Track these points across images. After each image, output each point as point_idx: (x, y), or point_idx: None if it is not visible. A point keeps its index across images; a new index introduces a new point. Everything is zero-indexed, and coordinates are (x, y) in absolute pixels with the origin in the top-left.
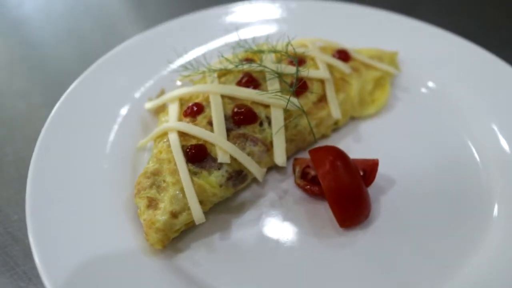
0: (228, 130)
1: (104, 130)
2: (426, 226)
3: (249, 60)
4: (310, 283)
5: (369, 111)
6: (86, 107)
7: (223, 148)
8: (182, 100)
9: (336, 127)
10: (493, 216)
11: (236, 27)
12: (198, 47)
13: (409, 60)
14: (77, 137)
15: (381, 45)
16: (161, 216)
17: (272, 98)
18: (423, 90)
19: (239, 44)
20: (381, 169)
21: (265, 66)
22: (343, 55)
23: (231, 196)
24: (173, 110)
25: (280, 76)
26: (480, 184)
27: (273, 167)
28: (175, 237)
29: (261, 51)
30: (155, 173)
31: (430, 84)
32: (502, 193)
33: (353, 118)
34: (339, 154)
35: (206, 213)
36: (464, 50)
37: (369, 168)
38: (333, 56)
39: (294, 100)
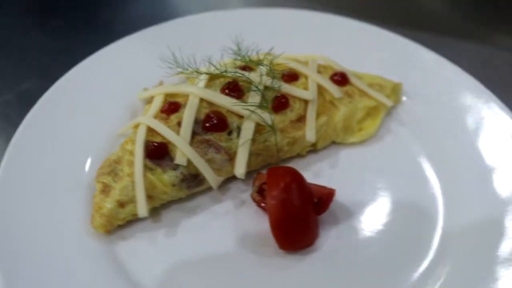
0: (195, 134)
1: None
2: (368, 268)
3: (242, 68)
4: None
5: (352, 139)
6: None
7: (182, 150)
8: (167, 96)
9: (314, 149)
10: (442, 270)
11: (239, 33)
12: (195, 48)
13: (418, 93)
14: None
15: (392, 73)
16: (108, 203)
17: (247, 110)
18: (420, 127)
19: (236, 52)
20: (344, 200)
21: (243, 75)
22: (341, 78)
23: (186, 197)
24: (155, 104)
25: (259, 89)
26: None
27: None
28: (121, 224)
29: (250, 61)
30: (117, 161)
31: (428, 124)
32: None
33: (337, 143)
34: (295, 177)
35: (157, 208)
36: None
37: (325, 197)
38: (331, 77)
39: (266, 115)
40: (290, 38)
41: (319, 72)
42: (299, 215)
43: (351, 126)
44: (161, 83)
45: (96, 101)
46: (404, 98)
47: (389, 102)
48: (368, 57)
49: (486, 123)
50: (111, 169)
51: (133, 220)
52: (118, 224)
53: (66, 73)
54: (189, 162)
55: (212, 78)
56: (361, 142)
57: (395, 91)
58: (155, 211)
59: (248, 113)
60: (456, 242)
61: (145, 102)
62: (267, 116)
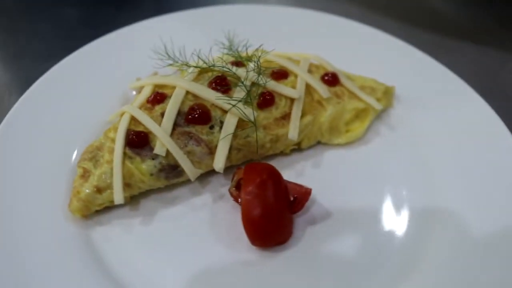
0: (177, 126)
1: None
2: (340, 270)
3: (234, 64)
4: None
5: (338, 140)
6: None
7: (162, 141)
8: (156, 87)
9: (298, 147)
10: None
11: (233, 28)
12: (189, 42)
13: (412, 97)
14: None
15: (386, 75)
16: (87, 188)
17: (230, 105)
18: (409, 132)
19: (227, 47)
20: (323, 201)
21: (229, 70)
22: (331, 78)
23: (166, 187)
24: (143, 94)
25: (244, 84)
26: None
27: None
28: (99, 210)
29: (240, 57)
30: (99, 148)
31: (419, 129)
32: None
33: (323, 144)
34: (272, 174)
35: (136, 197)
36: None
37: (300, 196)
38: (322, 76)
39: (249, 111)
40: (287, 36)
41: (310, 71)
42: (272, 212)
43: (338, 127)
44: (155, 74)
45: (90, 90)
46: (396, 102)
47: (378, 105)
48: (364, 59)
49: (478, 132)
50: (93, 155)
51: (111, 206)
52: (95, 209)
53: (61, 61)
54: (168, 153)
55: (202, 72)
56: (348, 144)
57: (387, 94)
58: (134, 199)
59: (231, 108)
60: (434, 245)
61: (137, 91)
62: (250, 112)
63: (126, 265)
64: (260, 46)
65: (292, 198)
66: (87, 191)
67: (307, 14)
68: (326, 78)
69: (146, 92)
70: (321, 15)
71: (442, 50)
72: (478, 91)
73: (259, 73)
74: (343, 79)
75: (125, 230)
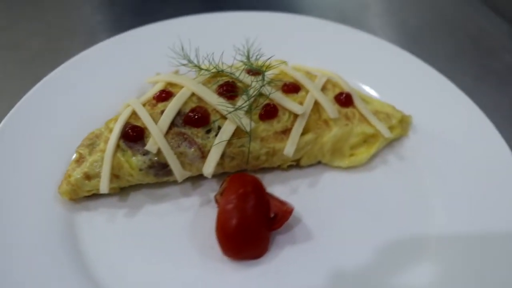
0: (174, 125)
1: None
2: None
3: (249, 71)
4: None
5: (340, 163)
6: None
7: (155, 138)
8: (168, 85)
9: (297, 164)
10: None
11: (256, 35)
12: (209, 45)
13: (431, 128)
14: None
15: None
16: (77, 173)
17: (230, 112)
18: (418, 166)
19: (244, 54)
20: (309, 222)
21: (235, 77)
22: (345, 99)
23: (157, 183)
24: (152, 90)
25: (247, 93)
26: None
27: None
28: (89, 196)
29: (251, 65)
30: (98, 136)
31: (430, 164)
32: None
33: (325, 164)
34: (256, 188)
35: (127, 189)
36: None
37: (281, 214)
38: (336, 95)
39: (246, 121)
40: (314, 47)
41: (325, 88)
42: (248, 226)
43: (342, 149)
44: (176, 72)
45: (111, 80)
46: (412, 132)
47: (387, 133)
48: (390, 82)
49: (494, 176)
50: (91, 142)
51: (101, 194)
52: (83, 195)
53: (86, 50)
54: (159, 151)
55: (216, 76)
56: (350, 169)
57: (403, 123)
58: (124, 191)
59: (230, 116)
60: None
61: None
62: (247, 122)
63: (100, 253)
64: (272, 56)
65: (272, 215)
66: (77, 176)
67: (340, 29)
68: (340, 97)
69: (156, 88)
70: (355, 32)
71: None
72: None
73: (262, 84)
74: (357, 101)
75: (108, 219)
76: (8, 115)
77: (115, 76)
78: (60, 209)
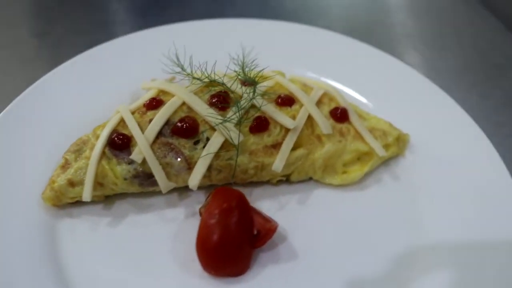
0: (161, 135)
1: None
2: None
3: (244, 82)
4: None
5: (331, 180)
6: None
7: (140, 148)
8: (161, 92)
9: (287, 179)
10: None
11: (252, 43)
12: (204, 53)
13: (429, 148)
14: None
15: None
16: (61, 179)
17: (219, 124)
18: (413, 186)
19: (239, 63)
20: (294, 240)
21: (226, 87)
22: (340, 114)
23: (143, 193)
24: (144, 97)
25: (237, 105)
26: None
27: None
28: (73, 203)
29: (244, 76)
30: (85, 142)
31: (426, 186)
32: None
33: (315, 180)
34: (240, 203)
35: (112, 198)
36: None
37: (264, 231)
38: (332, 110)
39: (235, 133)
40: (312, 58)
41: (321, 102)
42: (230, 242)
43: (334, 166)
44: (172, 78)
45: (105, 85)
46: (409, 152)
47: (381, 152)
48: (391, 96)
49: (494, 204)
50: (78, 148)
51: (86, 202)
52: (67, 201)
53: (85, 51)
54: (145, 161)
55: (209, 85)
56: (342, 186)
57: (400, 141)
58: (110, 199)
59: (218, 127)
60: None
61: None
62: (235, 134)
63: (79, 262)
64: (267, 67)
65: (255, 232)
66: (60, 182)
67: (341, 40)
68: (335, 112)
69: (148, 95)
70: (356, 44)
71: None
72: None
73: (253, 96)
74: (352, 117)
75: (90, 228)
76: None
77: (110, 81)
78: (43, 215)
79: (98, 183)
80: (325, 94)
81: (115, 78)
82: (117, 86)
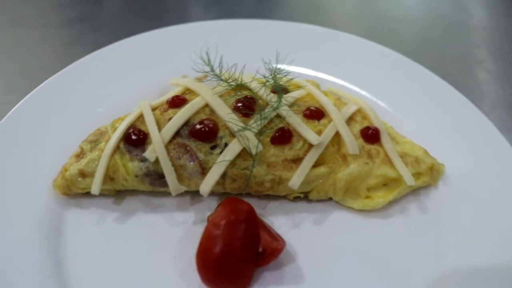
0: (178, 135)
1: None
2: None
3: (272, 89)
4: None
5: (351, 204)
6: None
7: (155, 146)
8: (187, 90)
9: (306, 197)
10: None
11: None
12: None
13: (465, 182)
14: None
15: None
16: (73, 169)
17: (240, 131)
18: (441, 223)
19: (270, 69)
20: (302, 263)
21: (255, 95)
22: (371, 134)
23: (156, 192)
24: (169, 94)
25: (261, 113)
26: None
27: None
28: (85, 193)
29: (274, 84)
30: (102, 134)
31: (455, 223)
32: None
33: (336, 201)
34: (249, 218)
35: (124, 193)
36: None
37: (270, 250)
38: (363, 129)
39: (254, 142)
40: (357, 70)
41: (353, 119)
42: (231, 257)
43: (357, 189)
44: (204, 77)
45: (137, 76)
46: (442, 184)
47: (410, 181)
48: (429, 119)
49: None
50: (96, 138)
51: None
52: (76, 191)
53: (113, 43)
54: (158, 160)
55: (238, 88)
56: (363, 212)
57: (434, 171)
58: (121, 194)
59: (238, 134)
60: None
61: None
62: (253, 143)
63: (79, 255)
64: (298, 76)
65: (261, 250)
66: (72, 172)
67: (395, 58)
68: (366, 132)
69: (172, 93)
70: (412, 64)
71: None
72: None
73: (278, 105)
74: (384, 139)
75: (97, 221)
76: (23, 101)
77: (142, 73)
78: (51, 203)
79: (109, 177)
80: (358, 111)
81: (147, 71)
82: (148, 79)
